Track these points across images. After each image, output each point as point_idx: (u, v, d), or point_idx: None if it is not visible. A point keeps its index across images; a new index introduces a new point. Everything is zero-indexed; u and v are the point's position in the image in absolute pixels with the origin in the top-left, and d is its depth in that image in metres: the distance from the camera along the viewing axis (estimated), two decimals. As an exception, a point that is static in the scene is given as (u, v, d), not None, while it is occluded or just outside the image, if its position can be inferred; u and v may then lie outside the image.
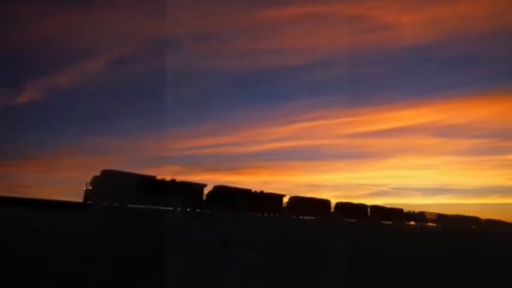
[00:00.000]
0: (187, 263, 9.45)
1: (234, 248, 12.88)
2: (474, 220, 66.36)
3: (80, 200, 25.41)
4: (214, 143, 74.13)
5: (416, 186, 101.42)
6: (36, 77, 58.95)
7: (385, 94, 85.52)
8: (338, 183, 71.22)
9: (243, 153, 70.14)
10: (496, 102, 69.82)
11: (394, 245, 22.18)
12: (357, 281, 8.70)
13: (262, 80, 69.82)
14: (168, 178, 28.84)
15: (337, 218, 41.01)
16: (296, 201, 38.33)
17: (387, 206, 51.80)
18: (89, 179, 25.61)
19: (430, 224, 57.91)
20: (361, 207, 46.87)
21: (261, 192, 35.40)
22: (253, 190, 34.84)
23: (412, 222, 55.07)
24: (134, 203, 26.00)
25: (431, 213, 58.45)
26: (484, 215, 70.04)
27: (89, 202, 24.93)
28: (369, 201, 51.73)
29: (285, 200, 37.88)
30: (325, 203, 42.47)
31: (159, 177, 28.35)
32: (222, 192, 31.72)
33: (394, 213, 51.46)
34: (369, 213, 47.69)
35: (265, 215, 35.13)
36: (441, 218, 59.12)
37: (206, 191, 31.20)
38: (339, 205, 43.43)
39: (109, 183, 24.92)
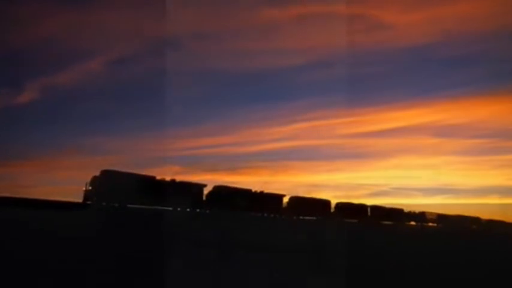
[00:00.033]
0: (187, 263, 9.44)
1: (234, 248, 12.87)
2: (474, 220, 66.36)
3: (80, 200, 25.42)
4: (214, 143, 74.27)
5: (416, 186, 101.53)
6: (36, 77, 59.09)
7: (385, 94, 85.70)
8: (338, 183, 71.31)
9: (243, 153, 70.24)
10: (496, 102, 69.97)
11: (394, 245, 22.17)
12: (357, 281, 8.69)
13: (262, 80, 69.94)
14: (168, 178, 28.87)
15: (337, 218, 40.99)
16: (296, 201, 38.31)
17: (387, 206, 51.87)
18: (89, 179, 25.63)
19: (430, 224, 57.93)
20: (362, 208, 46.85)
21: (261, 193, 35.39)
22: (253, 190, 34.86)
23: (413, 223, 55.07)
24: (134, 203, 25.99)
25: (431, 213, 58.47)
26: (484, 215, 70.19)
27: (89, 202, 24.91)
28: (369, 201, 51.86)
29: (285, 200, 37.90)
30: (325, 203, 42.45)
31: (158, 177, 28.38)
32: (222, 193, 31.71)
33: (395, 214, 51.44)
34: (369, 214, 47.67)
35: (265, 215, 35.13)
36: (441, 218, 59.13)
37: (206, 191, 31.23)
38: (339, 205, 43.42)
39: (108, 184, 24.90)
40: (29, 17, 50.73)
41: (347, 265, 9.96)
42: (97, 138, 62.03)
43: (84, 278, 7.28)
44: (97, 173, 25.55)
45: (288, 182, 74.18)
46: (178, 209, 28.45)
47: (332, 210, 42.67)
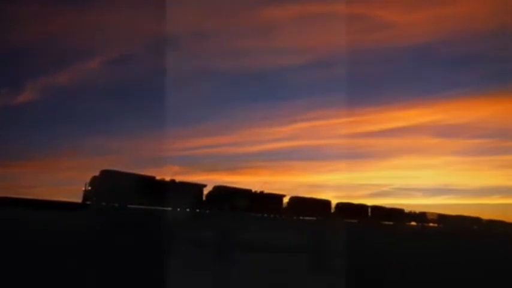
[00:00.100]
0: (187, 263, 9.41)
1: (233, 248, 12.83)
2: (475, 220, 66.31)
3: (79, 200, 25.37)
4: (213, 143, 74.04)
5: (417, 187, 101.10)
6: (36, 77, 58.91)
7: (385, 94, 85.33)
8: (338, 183, 70.99)
9: (242, 153, 70.03)
10: (496, 102, 69.69)
11: (395, 245, 22.13)
12: (357, 281, 8.65)
13: (262, 79, 69.79)
14: (168, 178, 28.81)
15: (337, 218, 40.93)
16: (296, 201, 38.24)
17: (388, 206, 51.81)
18: (88, 179, 25.59)
19: (431, 224, 57.88)
20: (362, 208, 46.78)
21: (261, 193, 35.34)
22: (253, 190, 34.80)
23: (413, 223, 55.02)
24: (133, 203, 25.95)
25: (432, 214, 58.40)
26: (484, 215, 70.08)
27: (88, 202, 24.87)
28: (370, 202, 51.79)
29: (285, 200, 37.79)
30: (326, 203, 42.39)
31: (158, 177, 28.33)
32: (222, 193, 31.67)
33: (395, 214, 51.36)
34: (369, 214, 47.61)
35: (265, 215, 35.08)
36: (442, 218, 59.08)
37: (206, 191, 31.18)
38: (340, 205, 43.35)
39: (108, 184, 24.86)
40: (29, 17, 50.73)
41: (347, 265, 9.92)
42: (97, 138, 61.99)
43: (84, 278, 7.25)
44: (97, 173, 25.54)
45: (288, 182, 74.03)
46: (178, 209, 28.41)
47: (332, 210, 42.61)
